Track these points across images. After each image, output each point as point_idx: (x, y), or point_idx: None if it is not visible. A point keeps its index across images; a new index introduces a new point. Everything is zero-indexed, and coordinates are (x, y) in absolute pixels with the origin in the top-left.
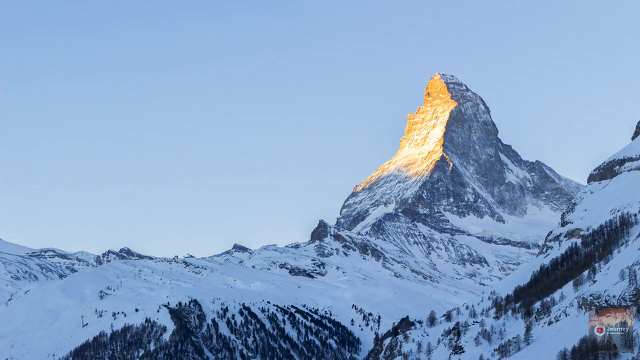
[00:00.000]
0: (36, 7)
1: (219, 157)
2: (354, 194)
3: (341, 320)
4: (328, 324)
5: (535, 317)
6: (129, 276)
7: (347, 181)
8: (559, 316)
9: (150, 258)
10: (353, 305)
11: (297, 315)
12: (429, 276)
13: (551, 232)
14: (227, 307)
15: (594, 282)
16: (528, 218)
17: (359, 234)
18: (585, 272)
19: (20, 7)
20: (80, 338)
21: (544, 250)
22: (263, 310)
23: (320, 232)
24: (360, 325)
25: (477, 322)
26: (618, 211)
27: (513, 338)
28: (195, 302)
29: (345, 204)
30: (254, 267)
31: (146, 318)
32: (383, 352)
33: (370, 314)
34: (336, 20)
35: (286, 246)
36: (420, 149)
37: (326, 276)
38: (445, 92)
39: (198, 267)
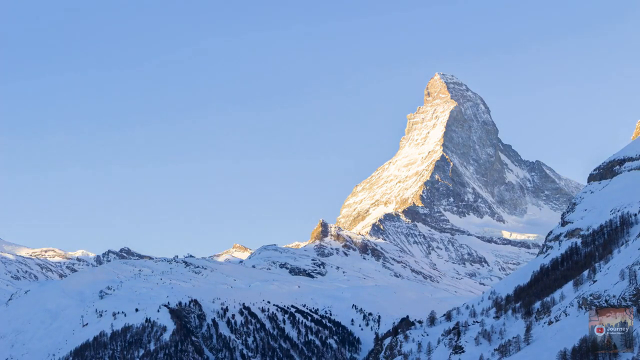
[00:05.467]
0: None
1: (219, 156)
2: (354, 194)
3: (341, 320)
4: (328, 324)
5: (535, 317)
6: (129, 276)
7: (347, 181)
8: (559, 316)
9: (150, 258)
10: (353, 305)
11: (297, 315)
12: (429, 276)
13: (551, 232)
14: (227, 307)
15: (594, 282)
16: (528, 218)
17: (359, 234)
18: (585, 272)
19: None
20: (80, 338)
21: (544, 250)
22: (263, 310)
23: (320, 232)
24: (360, 325)
25: (477, 322)
26: (618, 211)
27: (513, 338)
28: (195, 302)
29: (345, 204)
30: (254, 267)
31: (146, 318)
32: (383, 352)
33: (370, 314)
34: (336, 20)
35: (286, 246)
36: (420, 149)
37: (326, 276)
38: (445, 92)
39: (198, 267)
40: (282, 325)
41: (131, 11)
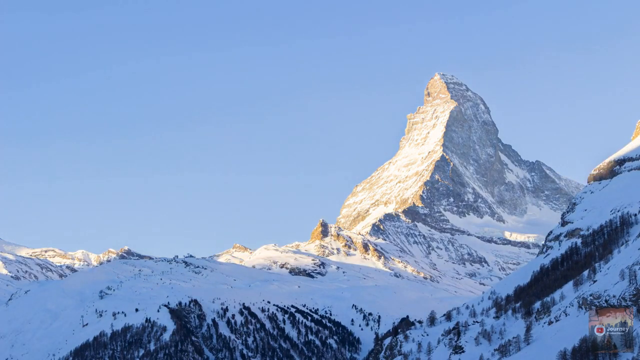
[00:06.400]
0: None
1: (219, 157)
2: (354, 194)
3: (341, 320)
4: (328, 324)
5: (535, 317)
6: (129, 276)
7: (347, 181)
8: (559, 316)
9: (150, 258)
10: (353, 305)
11: (297, 315)
12: (429, 276)
13: (551, 232)
14: (227, 307)
15: (594, 282)
16: (528, 218)
17: (359, 233)
18: (586, 272)
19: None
20: (80, 338)
21: (544, 250)
22: (263, 310)
23: (320, 232)
24: (360, 325)
25: (477, 322)
26: (618, 211)
27: (513, 338)
28: (195, 302)
29: (346, 203)
30: (254, 267)
31: (146, 318)
32: (383, 352)
33: (370, 314)
34: (336, 20)
35: (286, 246)
36: (420, 149)
37: (326, 276)
38: (445, 92)
39: (198, 267)
40: (282, 325)
41: (131, 15)
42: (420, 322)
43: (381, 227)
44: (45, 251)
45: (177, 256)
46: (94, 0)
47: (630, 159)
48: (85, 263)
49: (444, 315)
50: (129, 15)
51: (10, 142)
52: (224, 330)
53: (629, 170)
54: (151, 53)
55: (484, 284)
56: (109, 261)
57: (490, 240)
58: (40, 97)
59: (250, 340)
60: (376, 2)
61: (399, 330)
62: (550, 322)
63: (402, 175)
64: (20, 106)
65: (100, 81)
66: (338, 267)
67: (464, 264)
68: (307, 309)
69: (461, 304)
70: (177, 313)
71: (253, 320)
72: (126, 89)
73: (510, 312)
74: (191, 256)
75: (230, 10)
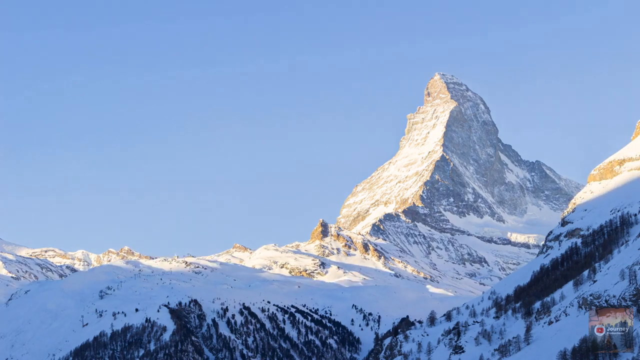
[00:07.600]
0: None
1: (220, 157)
2: (354, 194)
3: (341, 320)
4: (328, 324)
5: (535, 317)
6: (129, 276)
7: (347, 181)
8: (559, 316)
9: (151, 258)
10: (353, 305)
11: (297, 315)
12: (429, 276)
13: (551, 232)
14: (227, 307)
15: (594, 282)
16: (528, 218)
17: (359, 233)
18: (586, 272)
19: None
20: (80, 338)
21: (544, 250)
22: (263, 310)
23: (320, 232)
24: (360, 325)
25: (477, 322)
26: (618, 211)
27: (513, 338)
28: (195, 302)
29: (345, 204)
30: (254, 267)
31: (146, 318)
32: (383, 352)
33: (370, 314)
34: (336, 20)
35: (286, 246)
36: (420, 149)
37: (326, 276)
38: (445, 92)
39: (198, 267)
40: (282, 325)
41: (139, 29)
42: (420, 322)
43: (381, 227)
44: (45, 251)
45: (177, 256)
46: (98, 17)
47: (630, 159)
48: (85, 263)
49: (444, 315)
50: (135, 28)
51: (11, 143)
52: (224, 330)
53: (629, 170)
54: (153, 61)
55: (484, 284)
56: (109, 261)
57: (490, 240)
58: (41, 99)
59: (250, 340)
60: (376, 2)
61: (399, 330)
62: (550, 322)
63: (402, 175)
64: (20, 108)
65: (101, 84)
66: (338, 267)
67: (464, 264)
68: (307, 309)
69: (461, 304)
70: (177, 313)
71: (253, 320)
72: (127, 91)
73: (510, 312)
74: (191, 256)
75: (235, 18)
